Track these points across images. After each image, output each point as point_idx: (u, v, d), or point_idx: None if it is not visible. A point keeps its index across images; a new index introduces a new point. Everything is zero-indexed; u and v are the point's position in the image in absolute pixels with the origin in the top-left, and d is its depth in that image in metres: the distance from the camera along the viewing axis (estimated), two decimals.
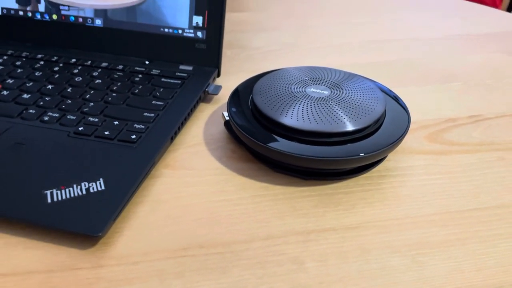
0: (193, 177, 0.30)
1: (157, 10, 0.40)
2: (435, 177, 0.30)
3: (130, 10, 0.41)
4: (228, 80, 0.41)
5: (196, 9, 0.40)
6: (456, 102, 0.39)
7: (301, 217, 0.27)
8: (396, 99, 0.34)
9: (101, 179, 0.27)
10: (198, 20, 0.40)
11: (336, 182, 0.30)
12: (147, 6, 0.40)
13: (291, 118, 0.30)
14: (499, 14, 0.57)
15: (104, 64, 0.40)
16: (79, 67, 0.39)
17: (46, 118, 0.33)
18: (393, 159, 0.32)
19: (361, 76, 0.35)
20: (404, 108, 0.33)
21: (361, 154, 0.28)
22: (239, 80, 0.37)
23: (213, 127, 0.35)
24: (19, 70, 0.39)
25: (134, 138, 0.31)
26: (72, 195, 0.26)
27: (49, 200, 0.26)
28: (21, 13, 0.43)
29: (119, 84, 0.37)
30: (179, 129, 0.33)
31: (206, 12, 0.39)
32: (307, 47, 0.48)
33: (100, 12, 0.41)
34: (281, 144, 0.29)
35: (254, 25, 0.53)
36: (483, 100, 0.39)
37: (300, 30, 0.52)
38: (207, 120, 0.36)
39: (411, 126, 0.35)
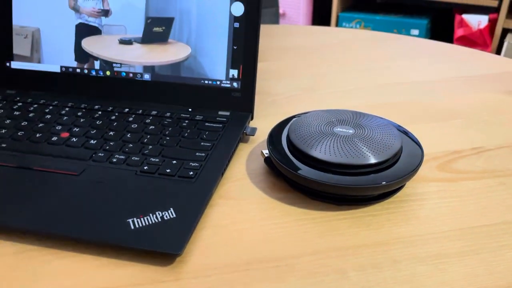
0: (244, 206, 0.35)
1: (198, 65, 0.47)
2: (447, 200, 0.36)
3: (174, 66, 0.48)
4: (260, 122, 0.47)
5: (232, 64, 0.46)
6: (459, 136, 0.45)
7: (339, 236, 0.32)
8: (409, 135, 0.40)
9: (171, 209, 0.33)
10: (234, 72, 0.47)
11: (365, 207, 0.35)
12: (189, 62, 0.47)
13: (324, 153, 0.36)
14: (491, 57, 0.65)
15: (153, 112, 0.46)
16: (133, 116, 0.46)
17: (114, 160, 0.38)
18: (411, 186, 0.37)
19: (379, 117, 0.41)
20: (417, 143, 0.39)
21: (383, 183, 0.34)
22: (269, 122, 0.43)
23: (253, 163, 0.41)
24: (81, 120, 0.45)
25: (192, 174, 0.37)
26: (150, 222, 0.31)
27: (132, 227, 0.31)
28: (78, 70, 0.50)
29: (170, 129, 0.43)
30: (227, 165, 0.39)
31: (241, 66, 0.46)
32: (324, 92, 0.55)
33: (148, 68, 0.48)
34: (316, 175, 0.35)
35: (274, 74, 0.60)
36: (483, 134, 0.45)
37: (315, 77, 0.59)
38: (247, 157, 0.42)
39: (426, 157, 0.40)
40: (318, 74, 0.60)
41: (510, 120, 0.48)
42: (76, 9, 0.48)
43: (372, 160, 0.35)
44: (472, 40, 1.46)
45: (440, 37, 1.71)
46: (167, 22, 0.47)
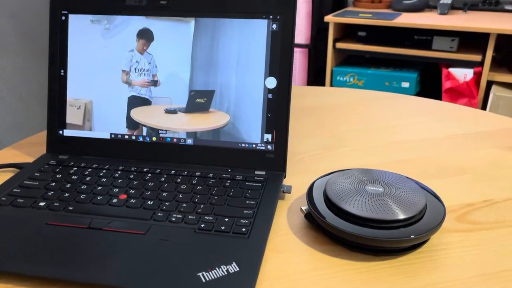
0: (293, 258, 0.40)
1: (236, 130, 0.53)
2: (468, 249, 0.41)
3: (215, 131, 0.54)
4: (291, 180, 0.53)
5: (266, 129, 0.53)
6: (470, 190, 0.51)
7: (382, 284, 0.37)
8: (431, 192, 0.46)
9: (233, 263, 0.37)
10: (268, 136, 0.53)
11: (400, 256, 0.40)
12: (228, 128, 0.53)
13: (359, 209, 0.41)
14: (486, 115, 0.72)
15: (197, 173, 0.51)
16: (180, 177, 0.51)
17: (173, 219, 0.43)
18: (436, 237, 0.43)
19: (405, 176, 0.47)
20: (439, 199, 0.44)
21: (411, 236, 0.39)
22: (299, 179, 0.48)
23: (293, 218, 0.46)
24: (135, 182, 0.50)
25: (244, 231, 0.41)
26: (218, 275, 0.36)
27: (203, 280, 0.35)
28: (126, 136, 0.55)
29: (215, 188, 0.48)
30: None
31: (274, 130, 0.52)
32: (342, 151, 0.61)
33: (191, 134, 0.54)
34: (354, 229, 0.40)
35: (296, 134, 0.67)
36: (490, 187, 0.51)
37: (332, 136, 0.66)
38: (287, 213, 0.47)
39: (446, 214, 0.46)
40: (334, 134, 0.66)
41: (502, 174, 0.54)
42: (128, 82, 0.55)
43: (401, 216, 0.40)
44: (460, 92, 1.57)
45: (429, 89, 1.83)
46: (209, 94, 0.53)
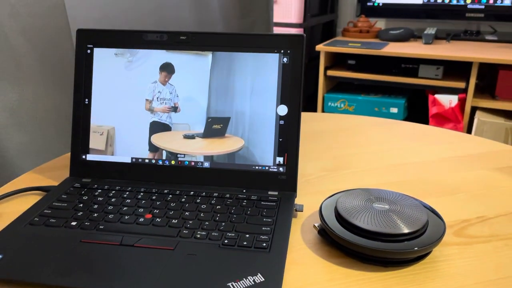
0: (310, 270, 0.44)
1: (250, 154, 0.58)
2: (467, 260, 0.46)
3: (230, 155, 0.58)
4: (302, 199, 0.57)
5: (278, 152, 0.57)
6: (465, 208, 0.55)
7: None
8: (432, 210, 0.50)
9: (259, 274, 0.41)
10: (280, 159, 0.57)
11: (407, 267, 0.44)
12: (242, 152, 0.58)
13: (368, 224, 0.45)
14: (474, 139, 0.78)
15: (215, 194, 0.55)
16: (199, 198, 0.55)
17: (198, 236, 0.47)
18: (437, 249, 0.47)
19: (407, 195, 0.51)
20: (439, 216, 0.49)
21: (415, 248, 0.44)
22: (309, 198, 0.53)
23: (307, 234, 0.50)
24: (158, 203, 0.53)
25: (265, 246, 0.45)
26: (246, 285, 0.40)
27: None
28: (147, 160, 0.59)
29: (234, 208, 0.52)
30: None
31: (286, 154, 0.57)
32: (346, 172, 0.66)
33: (208, 157, 0.58)
34: (365, 242, 0.44)
35: (302, 157, 0.71)
36: (483, 205, 0.56)
37: (335, 159, 0.70)
38: (300, 229, 0.51)
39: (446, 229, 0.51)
40: (337, 156, 0.71)
41: (502, 193, 0.59)
42: (151, 109, 0.59)
43: (406, 230, 0.45)
44: (446, 117, 1.65)
45: (416, 114, 1.91)
46: (225, 121, 0.58)
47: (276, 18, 1.94)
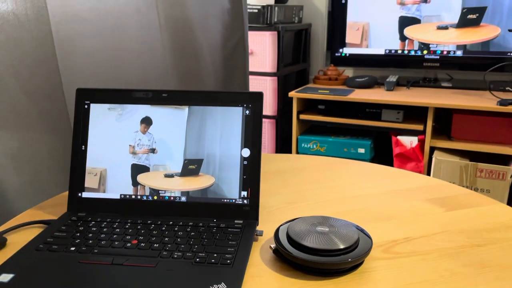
0: (265, 281, 0.55)
1: (219, 189, 0.70)
2: (391, 270, 0.57)
3: (203, 190, 0.70)
4: (263, 226, 0.68)
5: (243, 187, 0.69)
6: (395, 231, 0.68)
7: None
8: (363, 231, 0.62)
9: (223, 283, 0.52)
10: (244, 193, 0.69)
11: (343, 276, 0.56)
12: (213, 188, 0.70)
13: (313, 243, 0.57)
14: (415, 175, 0.92)
15: (190, 223, 0.67)
16: (177, 226, 0.66)
17: (175, 256, 0.58)
18: (368, 263, 0.59)
19: (344, 220, 0.64)
20: (368, 236, 0.61)
21: (349, 260, 0.56)
22: (269, 226, 0.64)
23: (265, 254, 0.61)
24: (142, 231, 0.64)
25: (229, 262, 0.56)
26: None
27: None
28: (133, 196, 0.71)
29: (205, 234, 0.64)
30: (249, 256, 0.59)
31: (249, 188, 0.69)
32: (302, 204, 0.78)
33: (185, 193, 0.70)
34: (309, 257, 0.56)
35: (266, 192, 0.83)
36: (410, 228, 0.69)
37: (295, 193, 0.83)
38: (259, 250, 0.62)
39: (374, 245, 0.63)
40: (296, 191, 0.84)
41: (427, 219, 0.72)
42: (134, 153, 0.71)
43: (341, 246, 0.57)
44: (408, 157, 1.80)
45: (382, 154, 2.06)
46: (199, 162, 0.70)
47: (253, 68, 2.12)
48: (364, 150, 1.91)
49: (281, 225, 0.64)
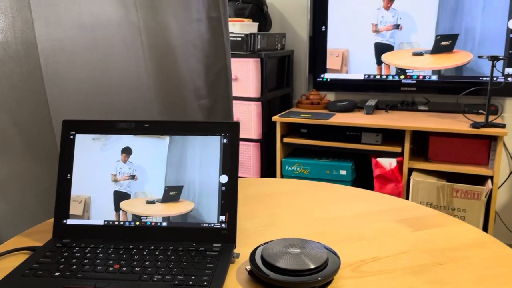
0: None
1: (199, 214, 0.73)
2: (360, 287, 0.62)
3: (183, 215, 0.74)
4: (240, 249, 0.72)
5: (221, 212, 0.73)
6: (364, 251, 0.72)
7: None
8: (332, 251, 0.67)
9: None
10: (222, 218, 0.73)
11: None
12: (193, 213, 0.73)
13: (286, 264, 0.61)
14: (387, 197, 0.96)
15: (170, 247, 0.70)
16: (158, 251, 0.69)
17: (155, 279, 0.61)
18: (337, 281, 0.63)
19: (314, 241, 0.68)
20: (337, 255, 0.65)
21: (319, 278, 0.60)
22: (246, 249, 0.68)
23: (241, 275, 0.65)
24: (124, 256, 0.68)
25: (206, 284, 0.60)
26: None
27: None
28: (116, 222, 0.74)
29: (185, 257, 0.67)
30: (225, 277, 0.63)
31: (227, 213, 0.73)
32: (279, 226, 0.82)
33: (166, 218, 0.74)
34: (281, 278, 0.60)
35: (244, 215, 0.87)
36: (379, 248, 0.73)
37: (272, 216, 0.87)
38: (236, 272, 0.66)
39: (343, 265, 0.67)
40: (273, 214, 0.88)
41: (395, 239, 0.76)
42: (116, 180, 0.75)
43: (311, 266, 0.61)
44: (387, 178, 1.86)
45: (363, 176, 2.12)
46: (179, 189, 0.74)
47: (237, 93, 2.18)
48: (346, 172, 1.96)
49: (256, 248, 0.68)
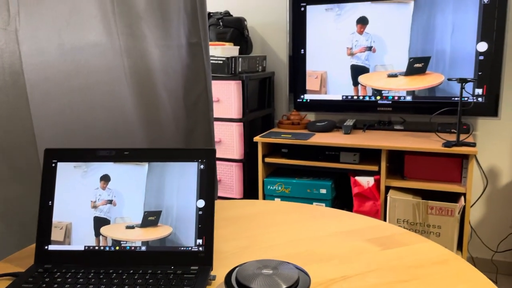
0: None
1: (177, 238, 0.77)
2: None
3: (162, 240, 0.77)
4: (217, 271, 0.75)
5: (198, 236, 0.77)
6: (335, 269, 0.76)
7: None
8: (303, 271, 0.70)
9: None
10: (199, 241, 0.76)
11: None
12: (171, 237, 0.77)
13: (260, 285, 0.65)
14: (359, 217, 1.01)
15: (149, 271, 0.73)
16: (137, 274, 0.72)
17: None
18: None
19: (286, 262, 0.72)
20: (307, 274, 0.69)
21: None
22: (223, 270, 0.71)
23: None
24: (104, 280, 0.70)
25: None
26: None
27: None
28: (96, 247, 0.77)
29: (163, 280, 0.70)
30: None
31: (204, 237, 0.76)
32: (255, 248, 0.86)
33: (145, 243, 0.77)
34: None
35: (222, 238, 0.90)
36: (348, 267, 0.77)
37: (248, 238, 0.90)
38: None
39: (313, 284, 0.71)
40: (250, 236, 0.91)
41: (364, 257, 0.80)
42: (95, 206, 0.78)
43: (283, 286, 0.65)
44: (366, 196, 1.91)
45: (343, 194, 2.17)
46: (158, 214, 0.78)
47: (219, 114, 2.23)
48: (326, 190, 2.01)
49: (232, 270, 0.71)
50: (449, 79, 1.90)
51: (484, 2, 1.95)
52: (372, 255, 0.82)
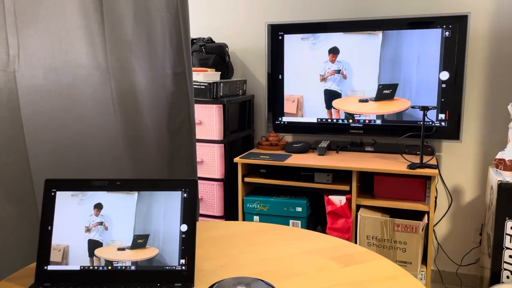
0: None
1: (163, 258, 0.87)
2: None
3: (149, 260, 0.87)
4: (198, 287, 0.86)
5: (182, 256, 0.87)
6: (301, 285, 0.88)
7: None
8: (272, 286, 0.82)
9: None
10: (182, 261, 0.87)
11: None
12: (158, 257, 0.87)
13: None
14: (327, 238, 1.13)
15: None
16: None
17: None
18: None
19: (258, 279, 0.83)
20: None
21: None
22: (203, 287, 0.82)
23: None
24: None
25: None
26: None
27: None
28: (90, 267, 0.87)
29: None
30: None
31: (186, 257, 0.87)
32: (233, 266, 0.97)
33: (134, 263, 0.87)
34: None
35: (202, 257, 1.01)
36: (313, 283, 0.89)
37: (227, 257, 1.01)
38: None
39: None
40: (228, 255, 1.02)
41: (328, 274, 0.92)
42: (89, 230, 0.88)
43: None
44: (338, 214, 2.04)
45: (317, 212, 2.29)
46: (146, 237, 0.88)
47: (202, 136, 2.34)
48: (301, 208, 2.13)
49: (211, 286, 0.82)
50: (412, 107, 2.06)
51: (445, 35, 2.14)
52: (334, 272, 0.94)
